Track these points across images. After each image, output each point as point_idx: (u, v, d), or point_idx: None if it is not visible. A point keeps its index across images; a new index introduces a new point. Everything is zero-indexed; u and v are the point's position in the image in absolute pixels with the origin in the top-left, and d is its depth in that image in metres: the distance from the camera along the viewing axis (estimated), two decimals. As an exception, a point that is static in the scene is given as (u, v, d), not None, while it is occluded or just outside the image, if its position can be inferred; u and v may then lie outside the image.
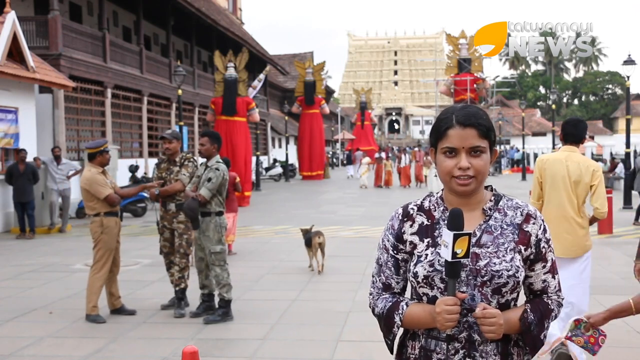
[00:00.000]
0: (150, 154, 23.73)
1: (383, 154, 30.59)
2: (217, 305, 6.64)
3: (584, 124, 5.05)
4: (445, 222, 1.92)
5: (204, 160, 6.64)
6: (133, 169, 18.62)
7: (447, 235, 1.83)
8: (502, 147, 46.35)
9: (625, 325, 5.83)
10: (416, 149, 31.62)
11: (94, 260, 6.67)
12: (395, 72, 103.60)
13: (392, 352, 2.11)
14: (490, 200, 2.00)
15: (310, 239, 9.27)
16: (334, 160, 54.30)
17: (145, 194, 16.04)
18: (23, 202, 13.05)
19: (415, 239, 2.00)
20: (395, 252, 2.04)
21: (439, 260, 1.91)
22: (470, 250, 1.86)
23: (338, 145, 61.17)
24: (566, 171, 4.87)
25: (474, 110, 1.95)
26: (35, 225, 13.32)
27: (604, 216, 4.96)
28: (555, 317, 2.04)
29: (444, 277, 1.88)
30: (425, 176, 26.70)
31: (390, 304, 2.01)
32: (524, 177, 31.10)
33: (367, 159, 29.96)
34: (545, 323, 1.99)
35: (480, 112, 1.95)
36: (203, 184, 6.40)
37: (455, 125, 1.92)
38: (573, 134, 4.95)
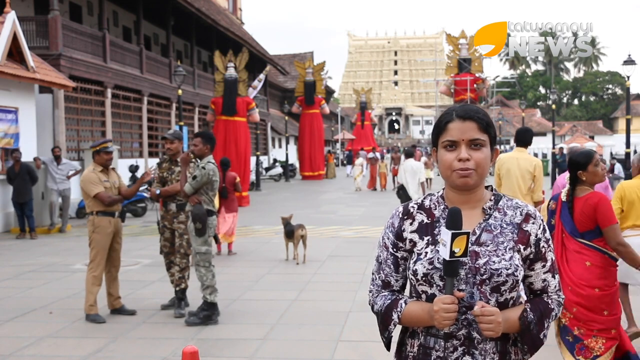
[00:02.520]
0: (151, 154, 23.72)
1: (378, 154, 28.64)
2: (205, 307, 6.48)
3: (531, 132, 6.91)
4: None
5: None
6: (133, 169, 18.62)
7: (445, 234, 1.85)
8: (502, 147, 46.30)
9: (625, 325, 5.82)
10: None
11: (89, 260, 6.68)
12: (395, 72, 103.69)
13: (388, 349, 2.13)
14: (490, 200, 2.02)
15: (293, 231, 9.39)
16: (334, 160, 54.22)
17: (146, 194, 16.07)
18: (21, 202, 13.05)
19: (415, 236, 2.01)
20: (394, 250, 2.05)
21: (438, 259, 1.92)
22: (470, 249, 1.88)
23: (338, 145, 61.17)
24: (517, 166, 6.61)
25: (474, 107, 2.01)
26: (34, 225, 13.31)
27: (540, 198, 6.61)
28: (556, 316, 2.04)
29: (443, 275, 1.89)
30: (428, 178, 22.68)
31: (389, 301, 2.03)
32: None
33: (360, 160, 27.80)
34: (545, 322, 1.99)
35: (480, 109, 2.01)
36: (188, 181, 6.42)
37: (455, 119, 1.97)
38: (522, 140, 6.76)
